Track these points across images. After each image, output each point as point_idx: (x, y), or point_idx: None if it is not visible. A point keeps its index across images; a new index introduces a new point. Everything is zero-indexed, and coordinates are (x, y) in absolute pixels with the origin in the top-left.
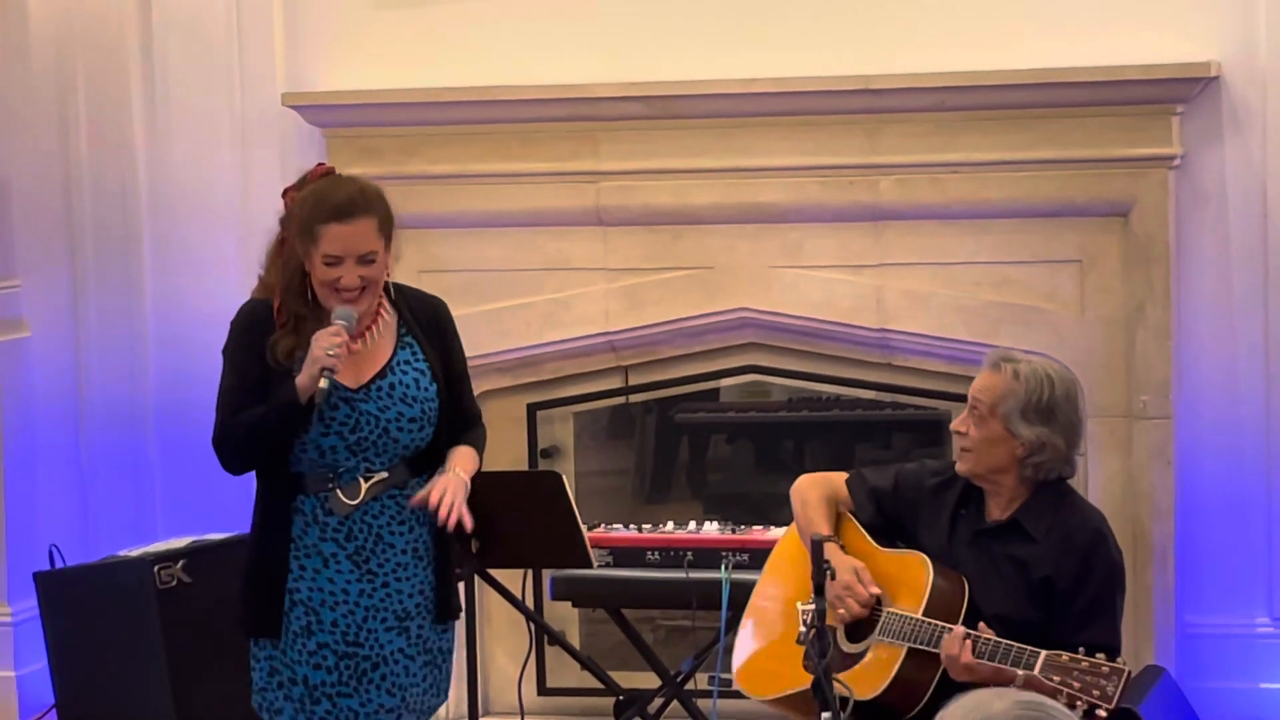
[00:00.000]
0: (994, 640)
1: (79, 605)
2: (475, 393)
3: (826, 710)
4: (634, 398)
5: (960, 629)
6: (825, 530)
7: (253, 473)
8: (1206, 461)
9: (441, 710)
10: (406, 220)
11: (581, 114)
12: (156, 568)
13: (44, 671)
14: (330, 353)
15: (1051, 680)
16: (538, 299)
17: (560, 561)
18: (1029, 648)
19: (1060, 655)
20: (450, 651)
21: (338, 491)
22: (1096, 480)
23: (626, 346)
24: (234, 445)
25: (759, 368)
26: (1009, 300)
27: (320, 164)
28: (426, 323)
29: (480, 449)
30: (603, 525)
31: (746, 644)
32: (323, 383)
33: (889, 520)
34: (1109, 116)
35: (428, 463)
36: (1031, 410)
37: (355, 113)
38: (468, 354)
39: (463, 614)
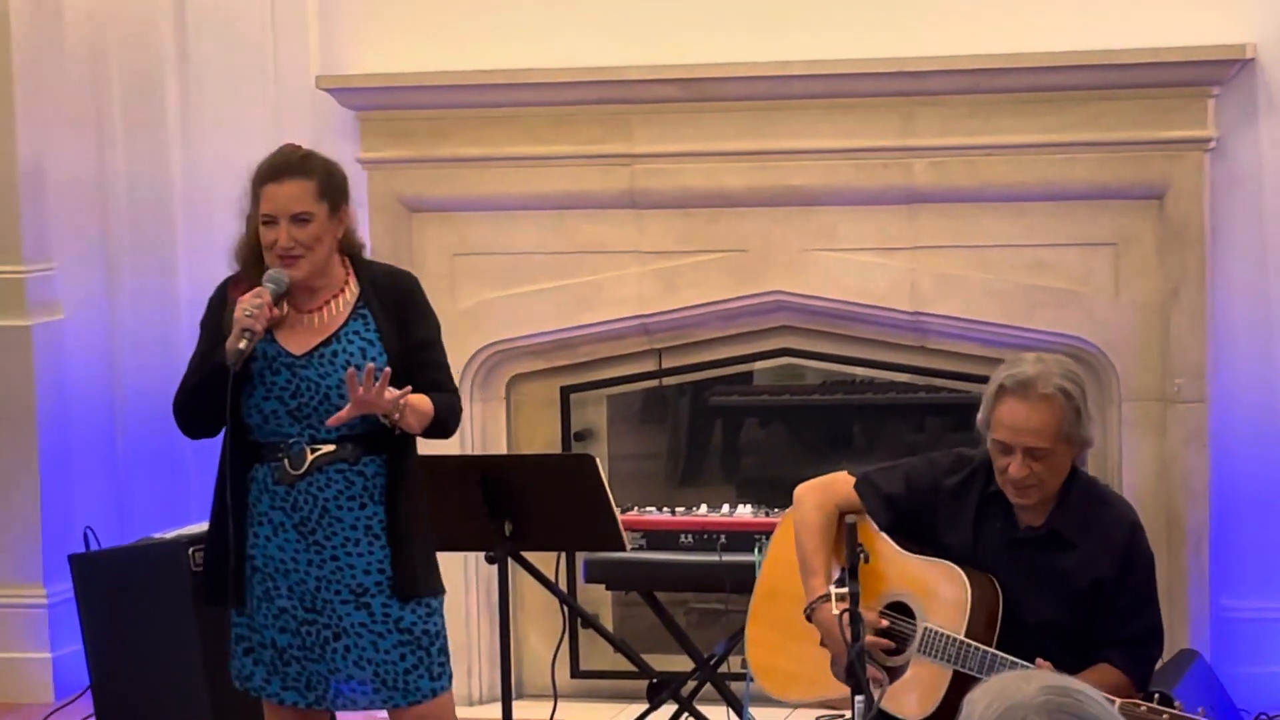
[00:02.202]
0: None
1: (114, 587)
2: (509, 375)
3: (860, 694)
4: (667, 381)
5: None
6: (821, 589)
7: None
8: (1241, 445)
9: (474, 692)
10: (439, 203)
11: (615, 96)
12: (191, 550)
13: (79, 653)
14: (248, 313)
15: None
16: (571, 282)
17: (593, 544)
18: (1100, 694)
19: (1138, 705)
20: (439, 635)
21: (285, 461)
22: (1131, 464)
23: (660, 329)
24: (179, 408)
25: (792, 351)
26: (1043, 283)
27: (288, 144)
28: (389, 296)
29: (444, 409)
30: (636, 508)
31: (761, 642)
32: (242, 344)
33: (906, 522)
34: (1144, 99)
35: (382, 444)
36: (1084, 412)
37: (389, 95)
38: (501, 336)
39: (496, 597)
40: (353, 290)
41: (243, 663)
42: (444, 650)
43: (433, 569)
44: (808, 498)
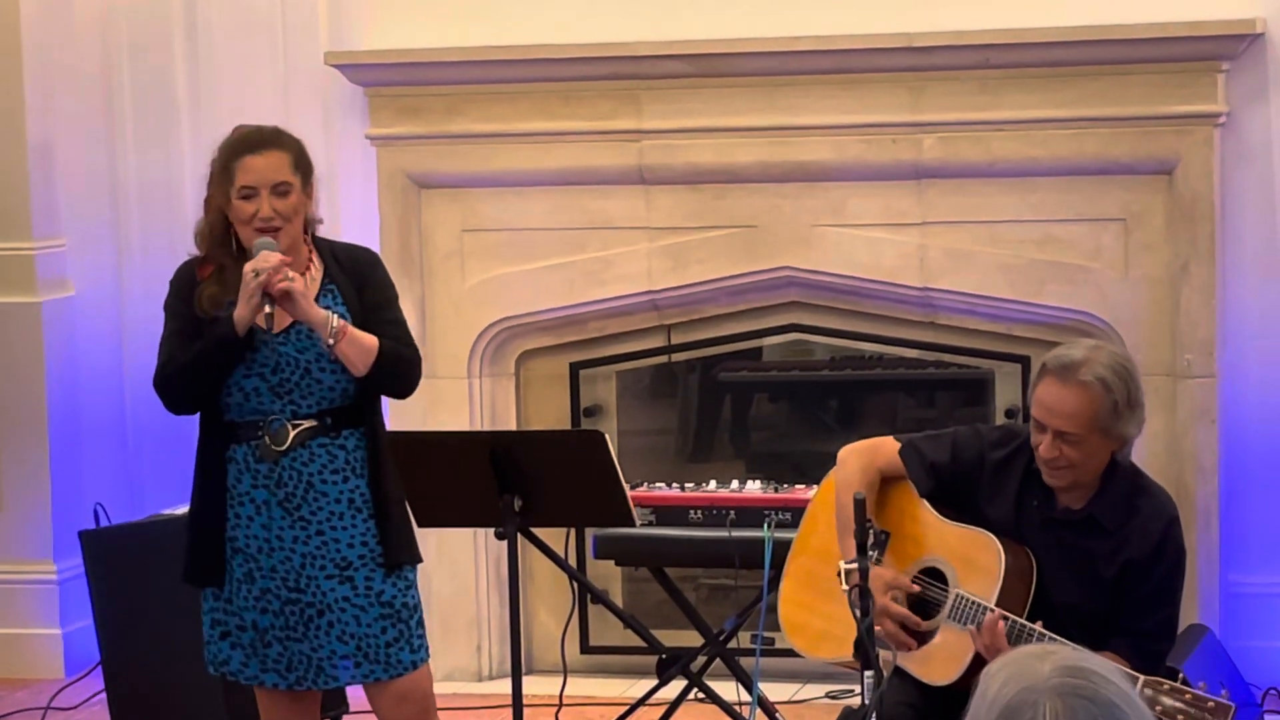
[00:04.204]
0: None
1: (124, 563)
2: (518, 351)
3: (869, 669)
4: (676, 357)
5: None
6: (854, 552)
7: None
8: (1251, 420)
9: (484, 668)
10: (448, 179)
11: (624, 72)
12: None
13: (89, 629)
14: (259, 272)
15: (1153, 709)
16: (580, 258)
17: (603, 520)
18: (1126, 670)
19: (1162, 683)
20: (417, 607)
21: (266, 438)
22: (1140, 439)
23: (669, 305)
24: (174, 383)
25: (802, 326)
26: (1053, 259)
27: (239, 125)
28: (351, 270)
29: (390, 351)
30: (645, 484)
31: (795, 599)
32: (267, 308)
33: (947, 491)
34: (1154, 74)
35: (360, 417)
36: (1124, 407)
37: (398, 71)
38: (511, 312)
39: (506, 573)
40: (318, 266)
41: (219, 647)
42: (421, 622)
43: (413, 538)
44: (851, 460)
